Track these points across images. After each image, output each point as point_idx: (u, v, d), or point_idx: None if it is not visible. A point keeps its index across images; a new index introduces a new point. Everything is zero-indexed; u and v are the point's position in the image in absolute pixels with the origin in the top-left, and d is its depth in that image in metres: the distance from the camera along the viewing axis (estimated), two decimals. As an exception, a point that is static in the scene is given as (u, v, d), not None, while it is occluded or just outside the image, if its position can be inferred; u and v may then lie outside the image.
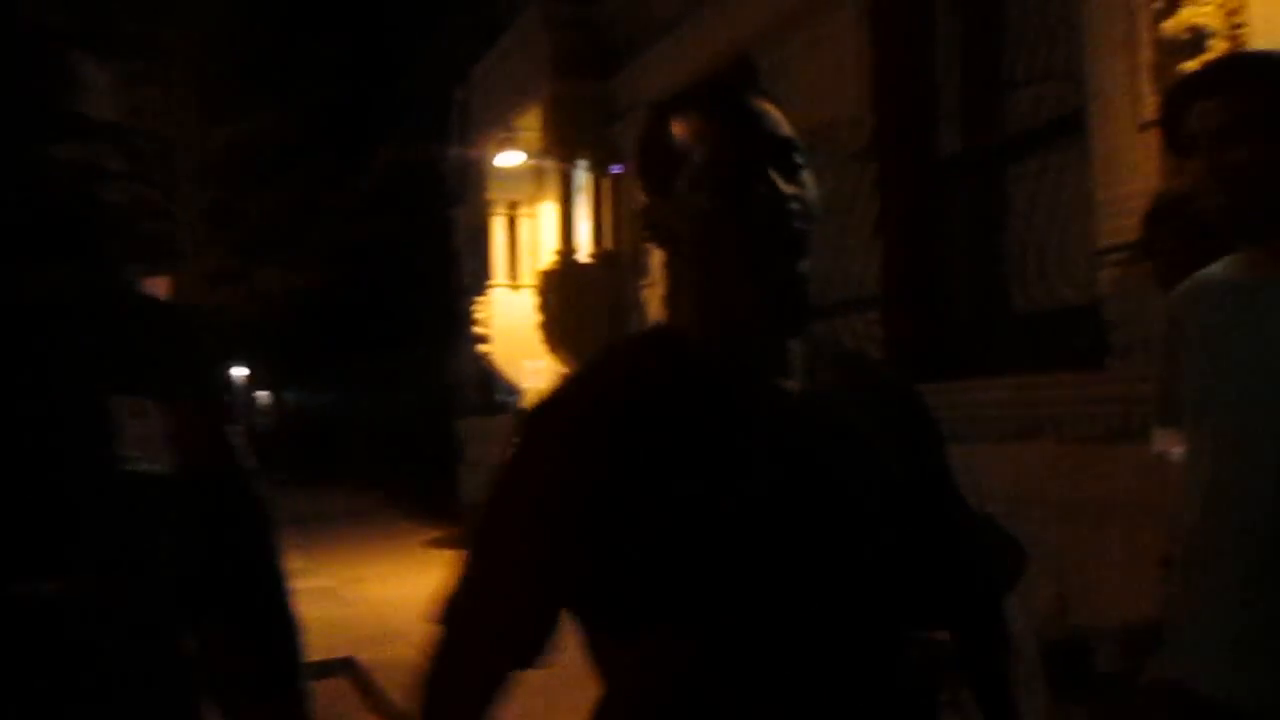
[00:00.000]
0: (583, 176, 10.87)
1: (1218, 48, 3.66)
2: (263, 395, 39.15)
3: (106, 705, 1.17)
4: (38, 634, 1.12)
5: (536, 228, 12.74)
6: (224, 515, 1.33)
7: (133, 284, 1.78)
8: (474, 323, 12.80)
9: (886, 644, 1.15)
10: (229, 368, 37.17)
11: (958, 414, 4.51)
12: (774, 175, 1.09)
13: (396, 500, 15.98)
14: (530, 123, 11.22)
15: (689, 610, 1.07)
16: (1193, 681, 1.74)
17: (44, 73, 1.45)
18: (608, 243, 10.49)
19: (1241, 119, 1.66)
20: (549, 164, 11.00)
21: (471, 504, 10.80)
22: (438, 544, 10.75)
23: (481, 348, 12.55)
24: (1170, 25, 3.86)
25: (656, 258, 1.21)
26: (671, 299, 1.18)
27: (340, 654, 6.23)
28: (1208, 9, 3.73)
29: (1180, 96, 1.79)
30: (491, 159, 11.74)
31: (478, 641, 1.17)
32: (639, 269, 8.88)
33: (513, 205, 12.98)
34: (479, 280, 13.40)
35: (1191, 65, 3.56)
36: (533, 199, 12.62)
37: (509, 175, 11.99)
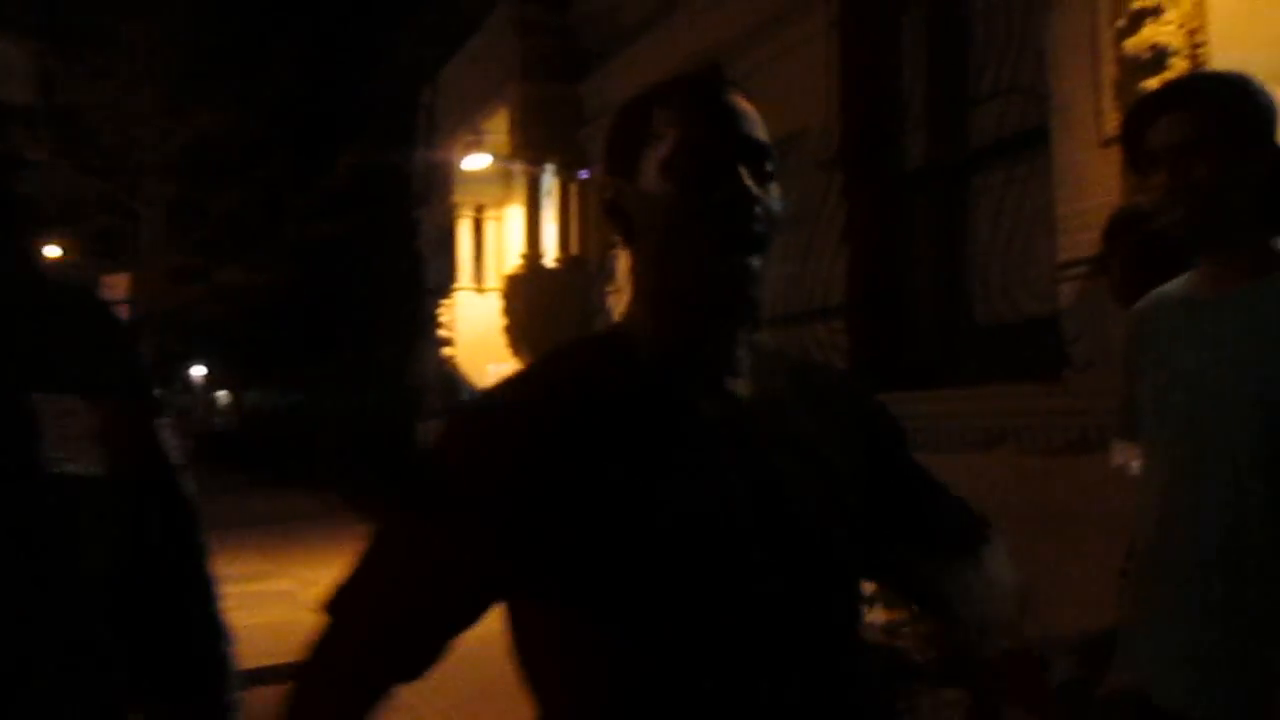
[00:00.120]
0: (550, 180, 10.86)
1: (1178, 66, 3.72)
2: (221, 395, 38.74)
3: (33, 714, 1.13)
4: None
5: (503, 231, 12.72)
6: (151, 515, 1.28)
7: (54, 275, 1.72)
8: (438, 325, 12.75)
9: (837, 653, 1.12)
10: (188, 367, 36.79)
11: (919, 424, 4.54)
12: (744, 173, 1.08)
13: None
14: (498, 126, 11.20)
15: (622, 624, 1.03)
16: (1147, 691, 1.77)
17: None
18: (574, 248, 10.49)
19: (1203, 135, 1.69)
20: (516, 167, 10.99)
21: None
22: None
23: (445, 350, 12.51)
24: (1133, 43, 3.91)
25: (622, 261, 1.19)
26: (626, 286, 1.16)
27: (297, 658, 6.15)
28: (1169, 28, 3.79)
29: (1141, 113, 1.81)
30: (458, 161, 11.71)
31: (358, 640, 1.09)
32: (605, 274, 8.89)
33: (479, 208, 12.95)
34: (444, 282, 13.35)
35: (1153, 83, 3.61)
36: (499, 202, 12.60)
37: (476, 178, 11.96)
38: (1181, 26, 3.77)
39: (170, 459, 1.34)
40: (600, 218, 1.29)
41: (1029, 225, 5.10)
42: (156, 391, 1.33)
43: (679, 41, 8.06)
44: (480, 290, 12.68)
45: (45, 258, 15.47)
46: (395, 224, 16.31)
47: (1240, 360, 1.68)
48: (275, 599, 7.69)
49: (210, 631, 1.36)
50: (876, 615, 3.80)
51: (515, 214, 11.90)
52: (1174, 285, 1.86)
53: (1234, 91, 1.74)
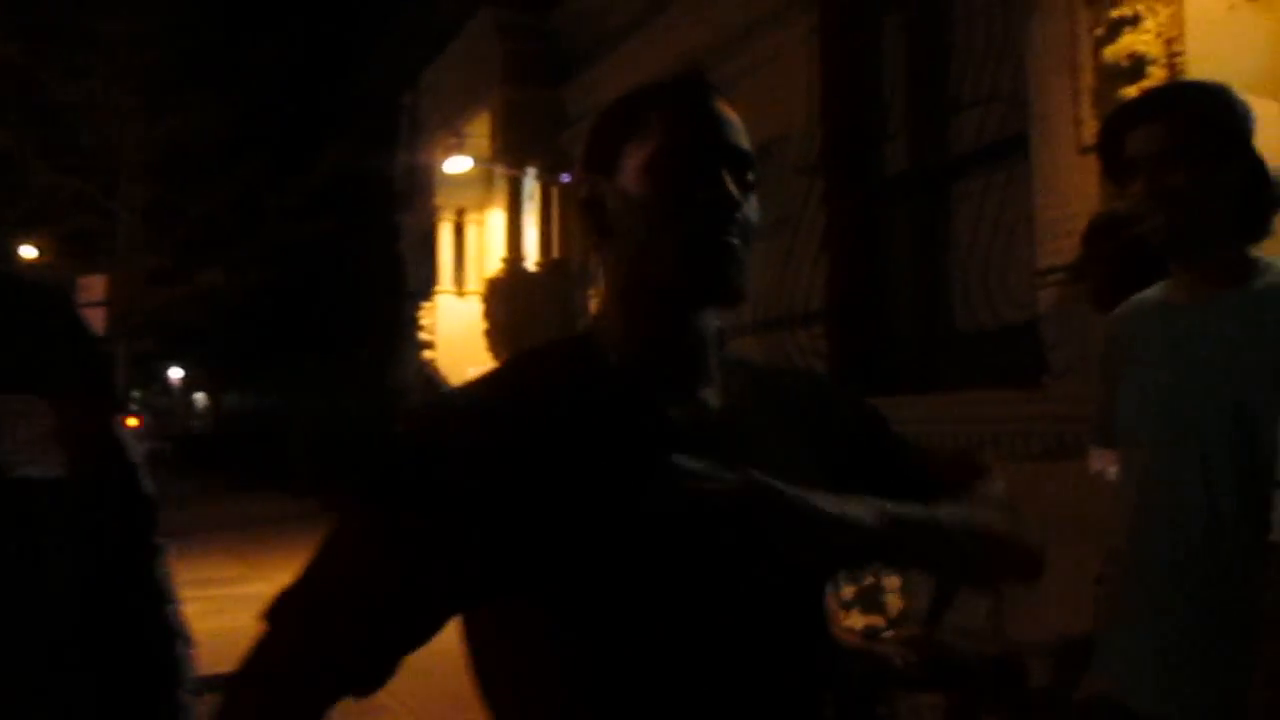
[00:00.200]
0: (532, 184, 10.85)
1: (1156, 75, 3.75)
2: (199, 397, 38.51)
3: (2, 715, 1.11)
4: None
5: (484, 235, 12.69)
6: (109, 514, 1.26)
7: (4, 272, 1.69)
8: (419, 329, 12.71)
9: (810, 665, 1.11)
10: (166, 369, 36.52)
11: (899, 429, 4.55)
12: (727, 178, 1.07)
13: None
14: (479, 129, 11.18)
15: (580, 637, 1.00)
16: (1122, 696, 1.78)
17: None
18: (556, 251, 10.47)
19: (1183, 143, 1.70)
20: (498, 171, 10.97)
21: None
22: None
23: (426, 354, 12.47)
24: (1111, 52, 3.94)
25: (596, 260, 1.16)
26: (599, 287, 1.14)
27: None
28: (1147, 37, 3.82)
29: (1120, 121, 1.82)
30: (440, 164, 11.67)
31: (295, 652, 1.03)
32: (586, 278, 8.88)
33: (460, 211, 12.92)
34: (425, 286, 13.31)
35: (1132, 91, 3.64)
36: (481, 205, 12.57)
37: (457, 181, 11.93)
38: (1159, 35, 3.80)
39: (129, 457, 1.32)
40: (576, 214, 1.27)
41: (1008, 232, 5.13)
42: (119, 389, 1.31)
43: (661, 46, 8.07)
44: (461, 294, 12.65)
45: (20, 258, 15.35)
46: (376, 227, 16.25)
47: (1215, 366, 1.69)
48: (251, 603, 7.57)
49: (165, 632, 1.33)
50: (855, 620, 3.80)
51: (497, 217, 11.88)
52: (1151, 292, 1.87)
53: (1213, 101, 1.75)
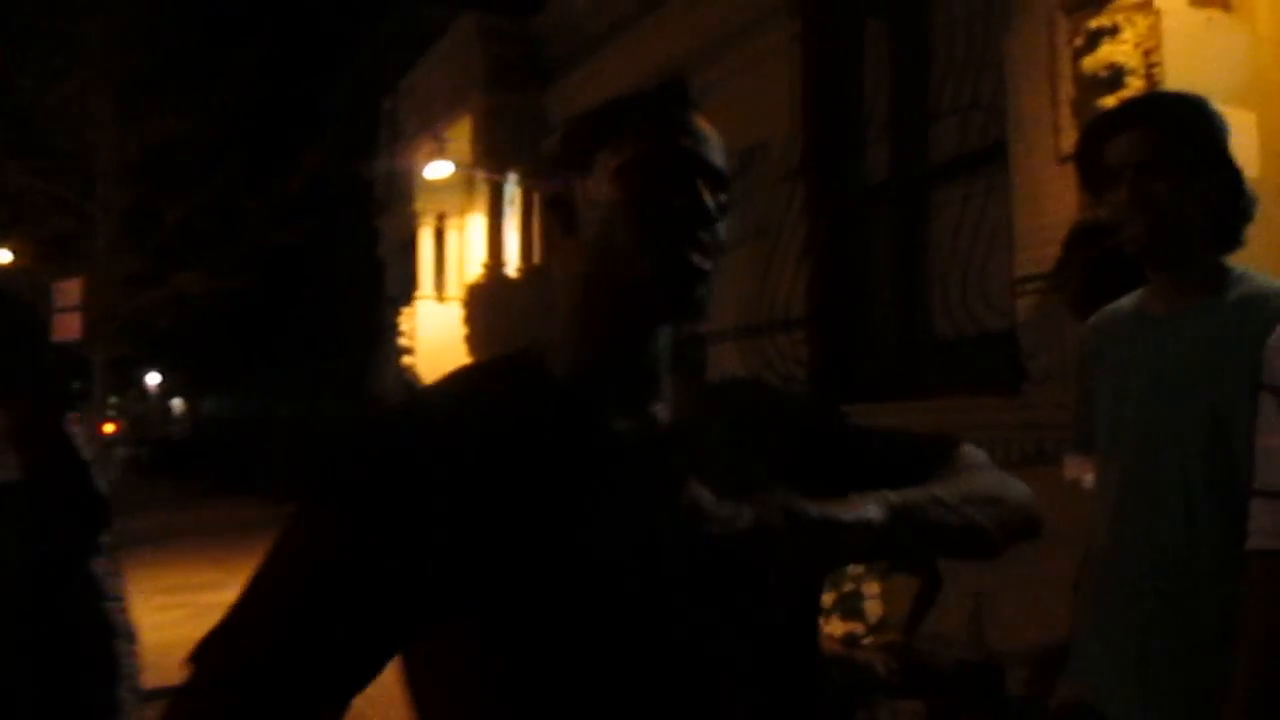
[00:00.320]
0: (513, 190, 10.83)
1: (1135, 85, 3.78)
2: (177, 403, 38.24)
3: None
4: None
5: (465, 240, 12.66)
6: (56, 512, 1.25)
7: None
8: (399, 334, 12.67)
9: (786, 674, 1.08)
10: (144, 374, 36.25)
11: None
12: (703, 190, 1.06)
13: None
14: (460, 134, 11.16)
15: (533, 666, 0.95)
16: (1094, 701, 1.78)
17: None
18: (537, 257, 10.46)
19: (1162, 153, 1.72)
20: (479, 176, 10.95)
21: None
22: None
23: (406, 360, 12.42)
24: (1090, 62, 3.97)
25: (559, 257, 1.13)
26: (556, 286, 1.12)
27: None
28: (1125, 47, 3.86)
29: (1099, 131, 1.84)
30: (420, 169, 11.64)
31: (223, 702, 0.91)
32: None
33: (441, 216, 12.89)
34: (405, 291, 13.27)
35: (1110, 101, 3.67)
36: (462, 211, 12.54)
37: (438, 186, 11.90)
38: (1137, 46, 3.83)
39: (80, 456, 1.32)
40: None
41: (988, 240, 5.16)
42: (72, 386, 1.31)
43: (643, 53, 8.08)
44: (441, 299, 12.61)
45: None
46: (356, 231, 16.20)
47: (1191, 375, 1.70)
48: (227, 609, 7.56)
49: (104, 628, 1.33)
50: (835, 627, 3.80)
51: (477, 223, 11.85)
52: (1128, 300, 1.88)
53: (1191, 111, 1.77)
